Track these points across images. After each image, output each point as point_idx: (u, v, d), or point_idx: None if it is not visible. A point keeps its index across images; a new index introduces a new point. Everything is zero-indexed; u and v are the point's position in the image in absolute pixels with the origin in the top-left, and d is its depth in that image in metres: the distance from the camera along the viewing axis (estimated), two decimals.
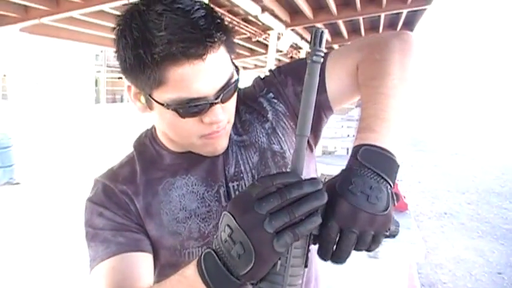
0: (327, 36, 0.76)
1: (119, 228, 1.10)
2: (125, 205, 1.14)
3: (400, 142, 0.89)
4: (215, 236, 0.78)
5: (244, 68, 13.68)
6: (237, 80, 1.04)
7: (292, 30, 7.85)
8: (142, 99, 1.04)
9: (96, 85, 30.97)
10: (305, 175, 0.76)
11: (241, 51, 10.66)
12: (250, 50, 10.66)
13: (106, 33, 6.46)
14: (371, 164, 0.79)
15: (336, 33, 9.47)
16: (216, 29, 0.93)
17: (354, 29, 9.31)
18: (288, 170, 0.78)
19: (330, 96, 1.15)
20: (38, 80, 22.09)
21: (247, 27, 7.52)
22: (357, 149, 0.83)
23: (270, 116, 1.20)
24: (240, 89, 1.17)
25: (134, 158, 1.22)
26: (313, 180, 0.73)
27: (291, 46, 9.65)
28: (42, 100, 21.45)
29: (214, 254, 0.76)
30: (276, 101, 1.21)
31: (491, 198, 9.30)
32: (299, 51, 11.10)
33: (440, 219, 7.69)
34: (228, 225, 0.73)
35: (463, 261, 5.83)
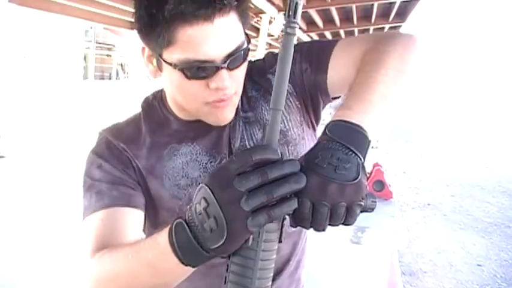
0: (301, 7, 0.75)
1: (115, 181, 1.12)
2: (126, 161, 1.16)
3: (378, 125, 0.88)
4: (188, 207, 0.77)
5: None
6: (247, 50, 1.04)
7: (285, 14, 7.80)
8: (154, 61, 1.06)
9: (84, 61, 30.69)
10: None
11: None
12: None
13: (98, 9, 6.38)
14: (339, 137, 0.78)
15: (328, 20, 9.43)
16: None
17: (346, 17, 9.28)
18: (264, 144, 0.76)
19: (329, 80, 1.15)
20: (26, 54, 21.86)
21: None
22: (328, 124, 0.82)
23: None
24: (250, 62, 1.19)
25: (141, 118, 1.23)
26: (293, 161, 0.72)
27: (282, 31, 9.61)
28: (30, 73, 21.25)
29: (186, 226, 0.76)
30: None
31: (475, 192, 9.38)
32: None
33: (424, 210, 7.75)
34: (205, 198, 0.71)
35: (444, 252, 5.89)
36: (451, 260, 5.65)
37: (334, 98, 1.23)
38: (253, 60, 1.25)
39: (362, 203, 0.75)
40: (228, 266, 0.75)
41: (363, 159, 0.78)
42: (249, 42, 1.05)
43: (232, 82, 1.03)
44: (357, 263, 2.91)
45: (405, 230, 2.85)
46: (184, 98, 1.08)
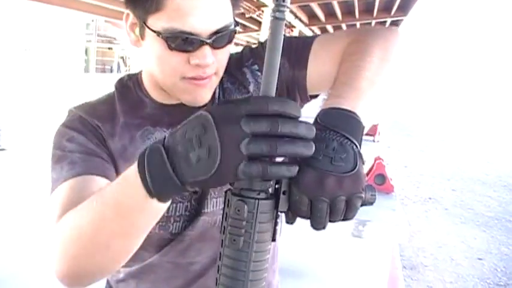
0: None
1: (90, 153, 1.05)
2: (100, 137, 1.09)
3: (370, 112, 0.84)
4: (172, 132, 0.71)
5: (235, 44, 13.61)
6: (234, 32, 1.02)
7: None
8: (137, 30, 1.03)
9: (86, 54, 30.66)
10: None
11: None
12: (243, 26, 10.55)
13: (99, 1, 6.37)
14: (332, 125, 0.72)
15: (330, 13, 9.41)
16: None
17: (348, 10, 9.25)
18: None
19: (309, 76, 1.12)
20: (27, 47, 21.83)
21: (241, 2, 7.45)
22: (319, 113, 0.77)
23: (251, 88, 1.18)
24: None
25: (115, 98, 1.17)
26: (309, 125, 0.65)
27: (285, 25, 9.60)
28: (31, 66, 21.22)
29: (163, 151, 0.69)
30: (259, 73, 1.18)
31: (476, 186, 9.38)
32: (292, 30, 11.04)
33: (425, 204, 7.76)
34: (203, 125, 0.64)
35: (445, 246, 5.89)
36: (451, 254, 5.65)
37: (312, 97, 1.18)
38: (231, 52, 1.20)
39: (362, 195, 0.69)
40: (218, 267, 0.71)
41: (359, 147, 0.72)
42: (236, 25, 1.03)
43: (214, 61, 1.00)
44: (358, 256, 2.91)
45: (406, 224, 2.85)
46: (162, 70, 1.03)
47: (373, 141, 9.45)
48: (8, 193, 6.46)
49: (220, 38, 0.98)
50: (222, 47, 1.01)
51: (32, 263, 4.42)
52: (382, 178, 3.42)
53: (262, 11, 7.64)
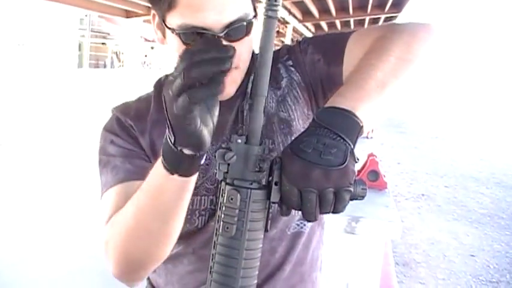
0: None
1: (128, 154, 1.13)
2: (133, 136, 1.17)
3: (374, 113, 0.85)
4: None
5: None
6: (251, 23, 1.02)
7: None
8: (161, 29, 1.07)
9: (79, 49, 30.55)
10: None
11: None
12: None
13: None
14: (327, 123, 0.75)
15: (324, 10, 9.41)
16: None
17: (342, 7, 9.25)
18: (245, 132, 0.76)
19: (345, 72, 1.09)
20: (20, 41, 21.74)
21: None
22: (317, 111, 0.81)
23: (283, 83, 1.19)
24: None
25: (152, 97, 1.23)
26: (226, 47, 0.73)
27: (278, 20, 9.57)
28: (24, 61, 21.13)
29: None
30: (293, 69, 1.20)
31: (469, 183, 9.41)
32: (286, 26, 11.03)
33: (418, 201, 7.78)
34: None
35: (438, 243, 5.91)
36: (444, 250, 5.67)
37: None
38: None
39: (351, 189, 0.72)
40: (212, 255, 0.74)
41: (352, 145, 0.75)
42: (255, 16, 1.03)
43: None
44: (350, 252, 2.91)
45: (399, 220, 2.85)
46: None
47: (367, 137, 9.46)
48: (3, 189, 6.43)
49: (234, 30, 0.98)
50: (239, 39, 1.01)
51: (31, 259, 4.41)
52: (375, 174, 3.42)
53: (256, 7, 7.63)
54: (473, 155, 12.88)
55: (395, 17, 9.82)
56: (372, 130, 9.77)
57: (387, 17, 9.85)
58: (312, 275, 1.32)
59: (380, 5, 9.04)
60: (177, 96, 0.70)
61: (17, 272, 4.14)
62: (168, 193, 0.87)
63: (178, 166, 0.82)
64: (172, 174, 0.83)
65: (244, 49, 1.05)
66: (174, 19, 0.97)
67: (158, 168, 0.85)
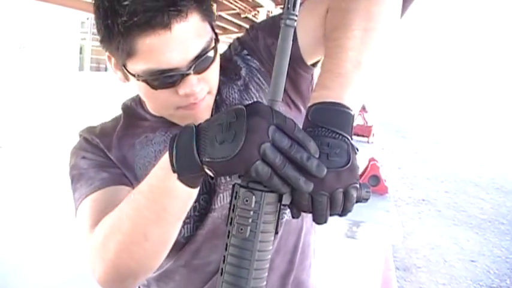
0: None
1: (101, 165, 1.11)
2: (102, 151, 1.15)
3: (359, 95, 0.85)
4: (208, 119, 0.76)
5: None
6: (215, 50, 1.00)
7: (282, 8, 7.77)
8: (121, 70, 1.03)
9: (80, 52, 30.56)
10: None
11: (229, 27, 10.56)
12: (238, 26, 10.55)
13: None
14: (323, 122, 0.76)
15: None
16: None
17: None
18: None
19: (301, 46, 1.08)
20: (21, 44, 21.75)
21: (236, 2, 7.43)
22: (308, 110, 0.80)
23: (243, 72, 1.17)
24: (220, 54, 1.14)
25: (120, 117, 1.22)
26: (322, 166, 0.70)
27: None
28: (26, 64, 21.15)
29: (194, 130, 0.74)
30: (249, 57, 1.17)
31: (469, 188, 9.41)
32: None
33: (418, 206, 7.77)
34: (236, 114, 0.70)
35: (438, 248, 5.91)
36: (444, 255, 5.67)
37: (314, 65, 1.15)
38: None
39: (357, 185, 0.74)
40: (224, 257, 0.74)
41: (350, 139, 0.76)
42: (217, 40, 1.02)
43: (204, 85, 1.00)
44: (351, 257, 2.91)
45: (400, 225, 2.85)
46: (155, 106, 1.07)
47: (368, 142, 9.47)
48: (4, 190, 6.43)
49: (201, 63, 0.97)
50: (207, 68, 1.00)
51: (30, 260, 4.41)
52: (376, 179, 3.42)
53: (258, 12, 7.64)
54: (474, 160, 12.88)
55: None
56: (373, 135, 9.78)
57: None
58: (304, 263, 1.30)
59: None
60: (264, 162, 0.68)
61: (17, 276, 4.14)
62: (171, 199, 0.84)
63: (187, 172, 0.77)
64: (176, 175, 0.78)
65: (214, 75, 1.04)
66: (137, 66, 0.94)
67: (163, 167, 0.80)
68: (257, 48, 1.16)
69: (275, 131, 0.68)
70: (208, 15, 0.98)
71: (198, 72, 0.97)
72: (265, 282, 0.75)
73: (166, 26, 0.89)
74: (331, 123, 0.76)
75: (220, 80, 1.13)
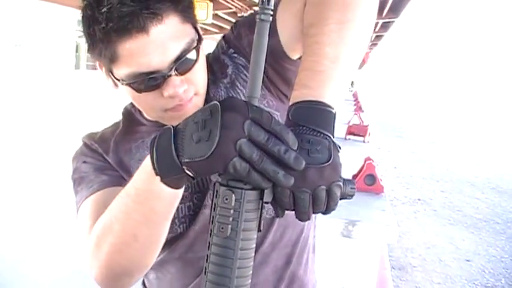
0: None
1: (101, 168, 1.13)
2: (101, 155, 1.18)
3: (339, 91, 0.84)
4: (185, 119, 0.76)
5: None
6: (197, 50, 1.01)
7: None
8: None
9: (76, 51, 30.50)
10: None
11: (225, 26, 10.55)
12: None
13: None
14: (304, 121, 0.75)
15: None
16: (157, 0, 0.91)
17: None
18: None
19: (283, 40, 1.07)
20: (18, 42, 21.71)
21: (233, 1, 7.43)
22: (289, 109, 0.80)
23: (229, 70, 1.17)
24: (207, 54, 1.16)
25: (120, 122, 1.24)
26: (300, 158, 0.69)
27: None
28: (21, 62, 21.11)
29: (172, 132, 0.75)
30: (236, 55, 1.18)
31: (465, 188, 9.43)
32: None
33: (414, 205, 7.79)
34: (211, 111, 0.70)
35: (434, 247, 5.92)
36: (440, 255, 5.68)
37: (300, 58, 1.10)
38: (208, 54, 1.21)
39: (340, 183, 0.72)
40: (207, 256, 0.73)
41: (331, 137, 0.75)
42: (199, 40, 1.02)
43: (189, 85, 1.01)
44: (347, 256, 2.92)
45: (396, 225, 2.86)
46: (143, 108, 1.08)
47: (364, 142, 9.49)
48: (2, 187, 6.42)
49: (182, 63, 0.97)
50: (190, 69, 1.00)
51: (31, 258, 4.40)
52: (372, 178, 3.43)
53: (254, 11, 7.62)
54: (470, 160, 12.91)
55: (393, 22, 9.83)
56: (369, 134, 9.80)
57: (385, 22, 9.85)
58: (301, 258, 1.30)
59: (378, 10, 9.04)
60: (241, 159, 0.67)
61: (16, 272, 4.13)
62: (157, 200, 0.84)
63: (169, 174, 0.77)
64: (159, 178, 0.78)
65: (199, 76, 1.04)
66: (121, 70, 0.96)
67: (146, 170, 0.81)
68: (241, 45, 1.16)
69: (251, 125, 0.67)
70: (187, 17, 0.99)
71: (181, 73, 0.98)
72: (249, 281, 0.74)
73: (143, 29, 0.91)
74: (312, 121, 0.75)
75: (209, 79, 1.14)
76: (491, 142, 16.95)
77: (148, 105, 1.03)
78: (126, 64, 0.94)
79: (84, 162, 1.16)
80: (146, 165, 0.80)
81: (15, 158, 8.42)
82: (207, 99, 1.13)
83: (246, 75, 1.15)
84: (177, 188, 0.81)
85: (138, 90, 0.98)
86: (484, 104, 39.01)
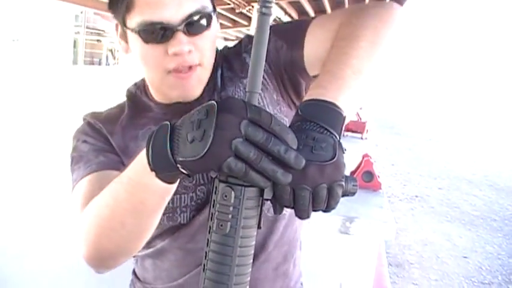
0: None
1: (101, 149, 1.14)
2: (105, 136, 1.18)
3: (354, 101, 0.85)
4: (183, 117, 0.75)
5: (225, 39, 13.57)
6: (210, 17, 1.03)
7: (277, 4, 7.75)
8: (124, 36, 1.09)
9: (74, 46, 30.47)
10: None
11: (223, 22, 10.54)
12: (233, 21, 10.50)
13: None
14: (312, 116, 0.75)
15: (320, 10, 9.40)
16: None
17: (338, 7, 9.25)
18: None
19: (306, 56, 1.10)
20: (15, 37, 21.66)
21: None
22: (300, 105, 0.80)
23: None
24: (227, 46, 1.20)
25: (125, 104, 1.25)
26: (300, 157, 0.68)
27: (274, 20, 9.55)
28: (19, 57, 21.07)
29: (169, 129, 0.74)
30: None
31: (462, 185, 9.45)
32: None
33: (411, 202, 7.80)
34: (207, 111, 0.69)
35: (431, 244, 5.93)
36: (437, 252, 5.69)
37: (316, 77, 1.14)
38: (228, 46, 1.24)
39: (342, 183, 0.71)
40: (206, 253, 0.73)
41: (338, 137, 0.74)
42: (214, 10, 1.05)
43: (195, 50, 1.02)
44: (344, 253, 2.92)
45: (393, 221, 2.86)
46: (147, 67, 1.08)
47: (361, 138, 9.49)
48: (2, 182, 6.41)
49: (193, 23, 1.00)
50: (199, 33, 1.02)
51: (31, 254, 4.40)
52: (369, 175, 3.43)
53: (252, 7, 7.61)
54: (467, 157, 12.93)
55: None
56: (367, 131, 9.80)
57: None
58: (294, 255, 1.32)
59: None
60: (237, 158, 0.67)
61: (18, 264, 4.13)
62: (148, 193, 0.85)
63: (163, 171, 0.78)
64: (153, 172, 0.79)
65: (206, 45, 1.06)
66: (134, 19, 0.99)
67: (141, 162, 0.81)
68: (268, 49, 1.17)
69: (248, 125, 0.67)
70: None
71: (189, 33, 1.00)
72: (248, 278, 0.74)
73: None
74: (321, 118, 0.75)
75: (226, 77, 1.17)
76: (489, 139, 16.97)
77: (153, 61, 1.04)
78: (140, 12, 0.98)
79: (85, 141, 1.17)
80: (143, 157, 0.81)
81: (14, 153, 8.40)
82: (226, 95, 1.16)
83: (265, 79, 1.17)
84: (171, 182, 0.82)
85: (146, 41, 1.00)
86: (481, 101, 39.04)
